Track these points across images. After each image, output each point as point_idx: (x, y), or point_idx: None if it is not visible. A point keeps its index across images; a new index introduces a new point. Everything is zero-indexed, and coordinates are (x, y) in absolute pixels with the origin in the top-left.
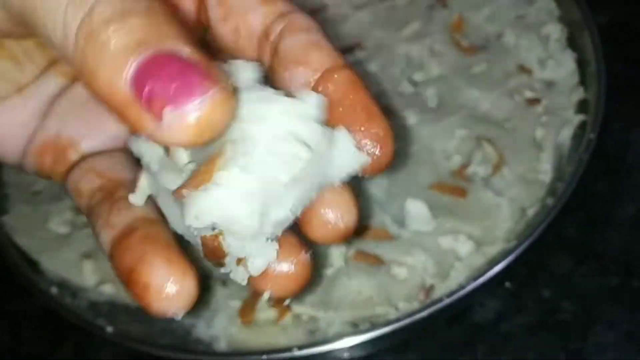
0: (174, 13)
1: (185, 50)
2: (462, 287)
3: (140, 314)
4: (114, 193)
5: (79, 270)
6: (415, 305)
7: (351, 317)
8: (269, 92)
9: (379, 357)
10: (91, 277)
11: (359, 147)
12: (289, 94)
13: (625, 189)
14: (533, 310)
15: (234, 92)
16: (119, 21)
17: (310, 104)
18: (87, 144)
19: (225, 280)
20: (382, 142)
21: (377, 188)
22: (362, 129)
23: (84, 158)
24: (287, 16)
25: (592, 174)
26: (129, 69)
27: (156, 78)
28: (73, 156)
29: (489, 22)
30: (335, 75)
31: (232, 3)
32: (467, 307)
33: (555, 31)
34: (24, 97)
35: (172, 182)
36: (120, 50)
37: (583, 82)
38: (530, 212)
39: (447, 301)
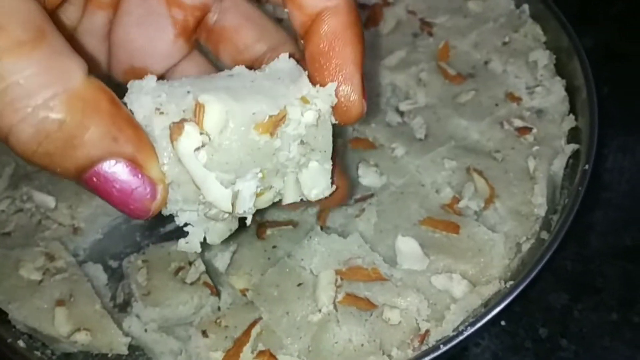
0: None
1: None
2: (459, 332)
3: None
4: None
5: (50, 319)
6: (410, 353)
7: None
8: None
9: None
10: (64, 326)
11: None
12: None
13: (621, 218)
14: (531, 350)
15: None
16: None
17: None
18: (156, 68)
19: (206, 330)
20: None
21: (365, 225)
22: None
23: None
24: None
25: (586, 204)
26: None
27: None
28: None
29: (475, 49)
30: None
31: None
32: (462, 348)
33: (543, 57)
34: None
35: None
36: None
37: (574, 110)
38: (525, 246)
39: (443, 349)
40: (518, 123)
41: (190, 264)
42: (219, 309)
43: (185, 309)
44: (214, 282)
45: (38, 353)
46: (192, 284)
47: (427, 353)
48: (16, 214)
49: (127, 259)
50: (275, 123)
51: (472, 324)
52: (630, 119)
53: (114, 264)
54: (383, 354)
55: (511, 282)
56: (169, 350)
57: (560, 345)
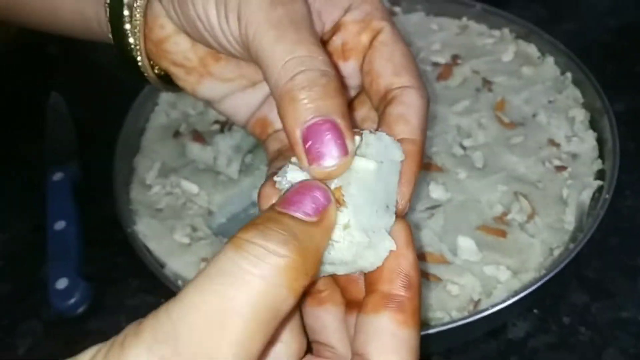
0: (342, 86)
1: (341, 123)
2: (502, 301)
3: None
4: (284, 153)
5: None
6: (465, 313)
7: None
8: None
9: None
10: None
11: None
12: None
13: (635, 244)
14: (556, 332)
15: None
16: (307, 90)
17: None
18: (279, 124)
19: None
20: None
21: (435, 225)
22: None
23: (276, 131)
24: (406, 89)
25: (608, 230)
26: (303, 126)
27: (315, 140)
28: (270, 131)
29: (526, 104)
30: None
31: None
32: (503, 325)
33: (580, 114)
34: (255, 90)
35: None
36: (301, 110)
37: (601, 156)
38: (556, 252)
39: (490, 311)
40: (557, 162)
41: None
42: None
43: None
44: None
45: None
46: None
47: (477, 313)
48: (166, 196)
49: None
50: None
51: (512, 297)
52: None
53: None
54: (445, 313)
55: (544, 272)
56: None
57: (579, 331)
